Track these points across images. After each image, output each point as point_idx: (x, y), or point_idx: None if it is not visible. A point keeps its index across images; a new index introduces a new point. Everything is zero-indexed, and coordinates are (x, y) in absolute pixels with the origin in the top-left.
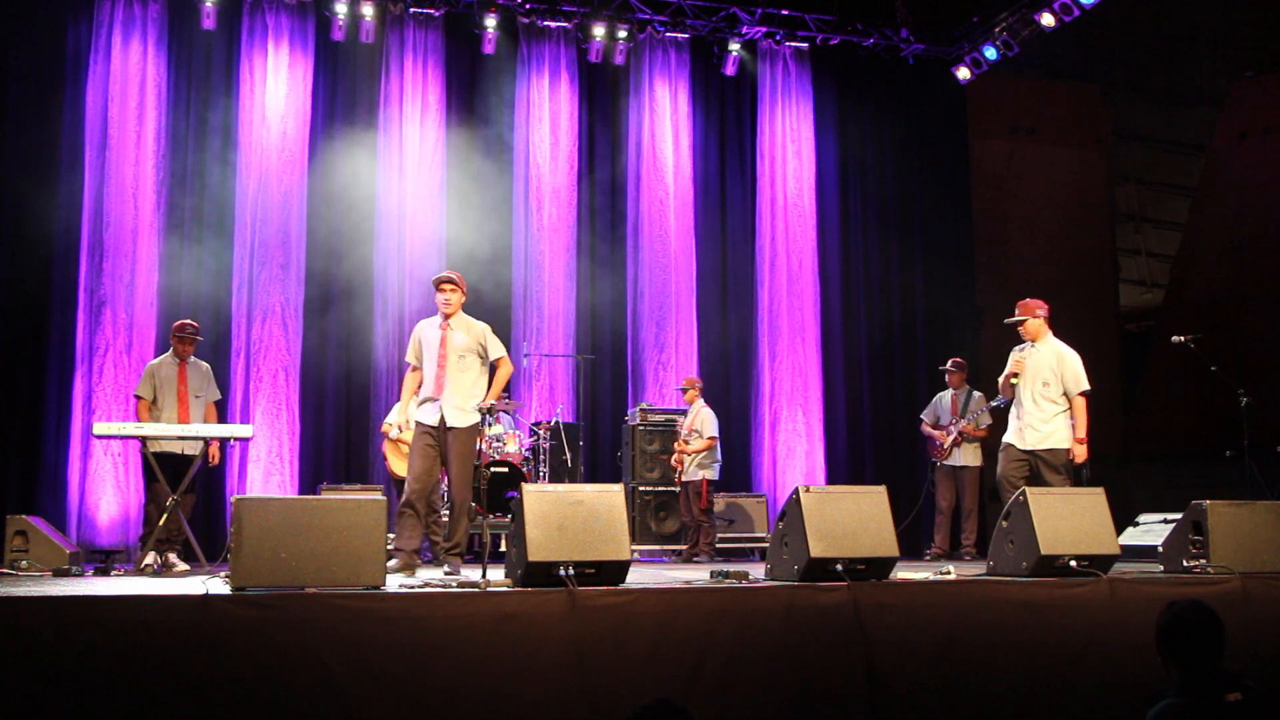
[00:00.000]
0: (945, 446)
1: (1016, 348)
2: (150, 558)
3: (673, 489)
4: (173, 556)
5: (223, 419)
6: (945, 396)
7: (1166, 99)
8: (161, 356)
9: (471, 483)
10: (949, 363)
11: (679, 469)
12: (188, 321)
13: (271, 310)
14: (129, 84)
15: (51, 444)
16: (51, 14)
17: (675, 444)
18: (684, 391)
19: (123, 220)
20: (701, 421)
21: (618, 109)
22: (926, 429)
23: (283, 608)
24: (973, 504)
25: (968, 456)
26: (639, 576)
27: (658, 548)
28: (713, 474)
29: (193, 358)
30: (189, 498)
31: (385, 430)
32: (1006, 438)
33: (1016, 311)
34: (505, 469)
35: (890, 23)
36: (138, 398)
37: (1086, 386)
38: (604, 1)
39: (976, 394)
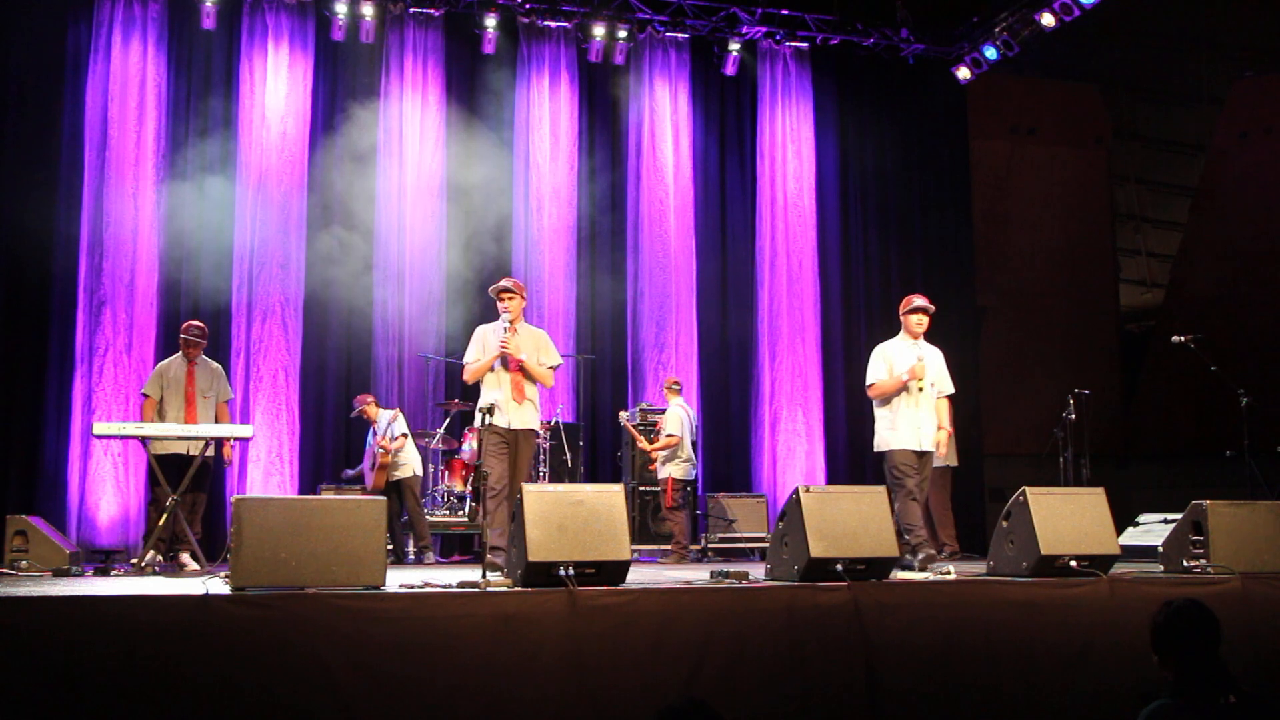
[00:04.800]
0: None
1: (902, 345)
2: (149, 556)
3: None
4: (185, 557)
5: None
6: None
7: (1166, 99)
8: (171, 357)
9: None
10: None
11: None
12: (193, 323)
13: (271, 310)
14: (129, 84)
15: (51, 444)
16: (51, 14)
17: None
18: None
19: (123, 220)
20: (665, 419)
21: (618, 109)
22: None
23: (283, 608)
24: (939, 505)
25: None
26: (638, 576)
27: (657, 548)
28: (680, 473)
29: (202, 357)
30: (200, 497)
31: (386, 446)
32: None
33: (926, 305)
34: None
35: (890, 23)
36: (144, 396)
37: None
38: (604, 1)
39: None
